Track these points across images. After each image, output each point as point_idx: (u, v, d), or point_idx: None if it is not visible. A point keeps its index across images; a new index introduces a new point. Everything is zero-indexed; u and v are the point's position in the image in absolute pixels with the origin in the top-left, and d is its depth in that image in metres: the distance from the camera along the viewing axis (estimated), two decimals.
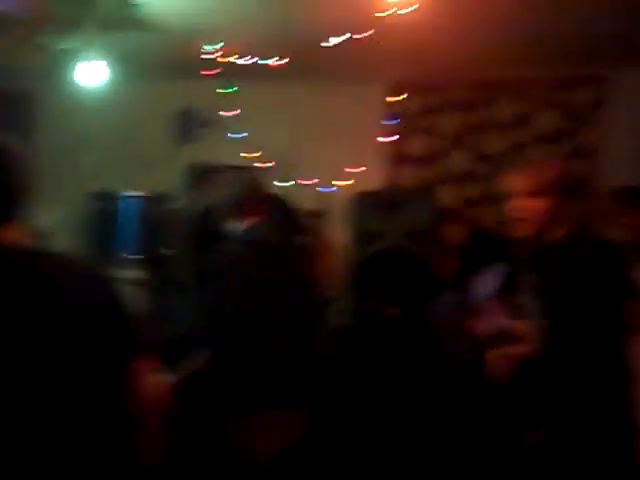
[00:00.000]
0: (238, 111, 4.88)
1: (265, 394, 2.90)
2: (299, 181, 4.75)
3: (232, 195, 3.10)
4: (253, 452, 2.93)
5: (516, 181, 2.57)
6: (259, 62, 4.07)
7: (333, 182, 4.72)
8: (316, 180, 4.76)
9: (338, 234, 4.37)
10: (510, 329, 3.27)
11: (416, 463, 3.53)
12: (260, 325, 2.80)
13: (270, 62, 4.10)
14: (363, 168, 4.76)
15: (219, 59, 3.98)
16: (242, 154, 4.74)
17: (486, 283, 3.43)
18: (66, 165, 4.74)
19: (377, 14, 3.26)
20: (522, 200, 2.52)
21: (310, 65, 4.32)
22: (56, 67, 4.08)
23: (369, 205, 4.43)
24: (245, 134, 4.84)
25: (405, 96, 4.92)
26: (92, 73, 3.97)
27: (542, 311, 2.51)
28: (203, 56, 3.96)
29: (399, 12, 3.25)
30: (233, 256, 2.92)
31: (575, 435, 2.43)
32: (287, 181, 4.71)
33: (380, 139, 4.90)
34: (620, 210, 3.63)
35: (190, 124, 5.10)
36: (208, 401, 3.04)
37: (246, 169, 4.64)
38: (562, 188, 2.55)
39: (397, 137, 4.96)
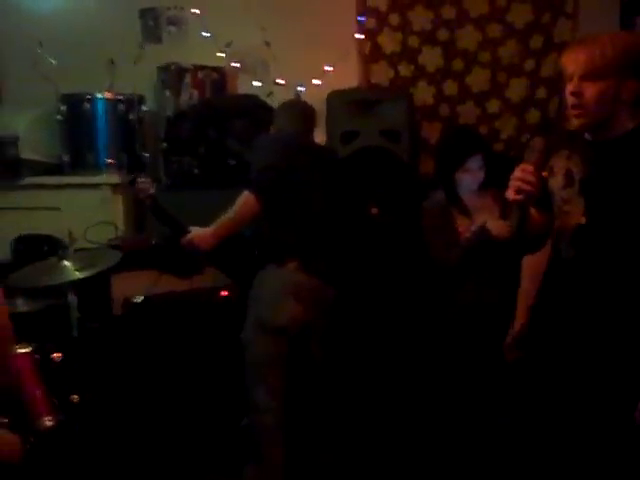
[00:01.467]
0: (206, 9, 4.76)
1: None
2: (277, 81, 4.67)
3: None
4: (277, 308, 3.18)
5: (568, 60, 2.24)
6: None
7: (307, 81, 4.64)
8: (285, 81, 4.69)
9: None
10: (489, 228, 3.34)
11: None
12: None
13: None
14: (332, 68, 4.70)
15: None
16: (218, 54, 4.62)
17: (467, 179, 3.46)
18: (30, 67, 4.59)
19: None
20: (575, 83, 2.21)
21: None
22: None
23: (344, 104, 4.38)
24: (212, 34, 4.72)
25: None
26: None
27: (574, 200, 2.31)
28: None
29: None
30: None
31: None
32: (263, 81, 4.66)
33: (353, 36, 4.81)
34: None
35: (157, 22, 4.93)
36: None
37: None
38: (627, 68, 2.19)
39: (369, 35, 4.88)
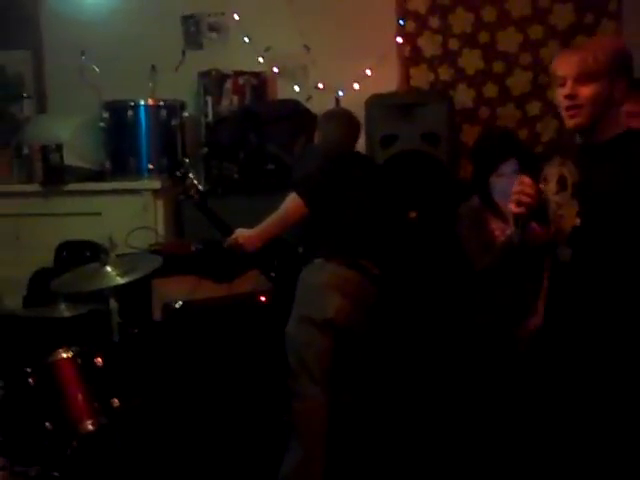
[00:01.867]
0: (246, 15, 4.79)
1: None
2: (316, 85, 4.69)
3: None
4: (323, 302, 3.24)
5: (561, 64, 2.36)
6: None
7: (347, 85, 4.64)
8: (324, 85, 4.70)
9: None
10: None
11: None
12: None
13: None
14: (371, 71, 4.69)
15: None
16: (258, 60, 4.66)
17: (501, 183, 3.43)
18: (74, 76, 4.67)
19: None
20: (570, 86, 2.30)
21: None
22: None
23: (383, 108, 4.37)
24: (252, 39, 4.76)
25: None
26: None
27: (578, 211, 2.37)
28: None
29: None
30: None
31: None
32: (302, 86, 4.67)
33: (393, 39, 4.80)
34: None
35: (198, 29, 4.98)
36: None
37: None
38: (617, 70, 2.29)
39: (409, 38, 4.86)
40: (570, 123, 2.34)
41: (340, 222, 3.39)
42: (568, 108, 2.31)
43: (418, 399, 3.68)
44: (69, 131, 4.60)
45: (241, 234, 3.39)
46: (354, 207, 3.42)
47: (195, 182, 3.55)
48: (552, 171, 2.45)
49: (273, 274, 3.54)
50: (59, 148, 4.40)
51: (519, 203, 2.36)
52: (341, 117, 3.78)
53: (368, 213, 3.46)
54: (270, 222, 3.36)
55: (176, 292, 3.55)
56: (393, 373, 3.69)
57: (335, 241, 3.37)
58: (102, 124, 4.49)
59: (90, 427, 2.82)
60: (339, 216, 3.39)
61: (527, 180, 2.37)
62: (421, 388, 3.70)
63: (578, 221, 2.36)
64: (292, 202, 3.31)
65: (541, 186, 2.42)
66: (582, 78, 2.28)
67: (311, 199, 3.30)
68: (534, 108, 4.72)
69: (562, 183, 2.41)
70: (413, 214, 4.09)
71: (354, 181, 3.47)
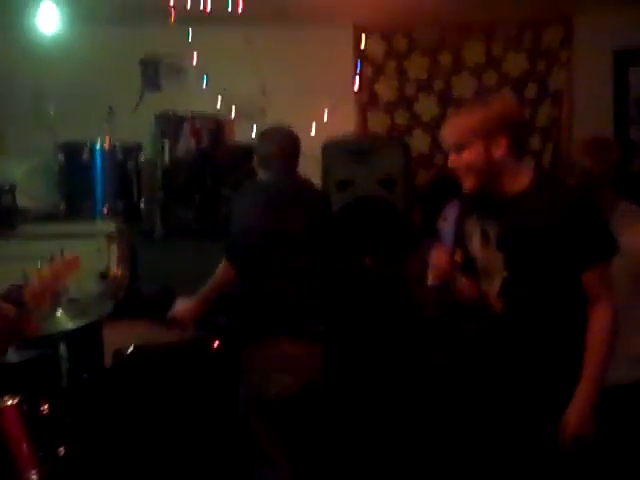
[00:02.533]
0: (204, 58, 4.80)
1: (280, 320, 3.13)
2: None
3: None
4: (269, 385, 3.01)
5: (442, 136, 2.54)
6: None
7: (304, 129, 4.66)
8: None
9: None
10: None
11: None
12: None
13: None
14: (328, 115, 4.73)
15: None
16: (217, 102, 4.67)
17: (447, 228, 3.45)
18: (29, 116, 4.64)
19: None
20: (452, 155, 2.44)
21: (276, 9, 4.26)
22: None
23: (340, 153, 4.40)
24: (210, 82, 4.76)
25: (371, 40, 4.88)
26: (45, 18, 3.96)
27: (503, 263, 2.45)
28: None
29: None
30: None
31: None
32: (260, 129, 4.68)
33: (350, 84, 4.85)
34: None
35: (157, 71, 4.99)
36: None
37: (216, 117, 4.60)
38: (489, 132, 2.37)
39: (366, 83, 4.92)
40: (464, 189, 2.46)
41: (273, 287, 3.20)
42: (458, 175, 2.45)
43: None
44: (23, 172, 4.55)
45: (180, 307, 3.34)
46: (292, 266, 3.22)
47: None
48: (473, 228, 2.53)
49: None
50: (12, 189, 4.35)
51: (436, 277, 2.51)
52: (275, 135, 3.46)
53: (308, 269, 3.27)
54: (206, 287, 3.34)
55: (127, 337, 3.50)
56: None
57: (270, 310, 3.19)
58: (57, 166, 4.45)
59: (34, 477, 2.75)
60: (272, 281, 3.22)
61: (441, 255, 2.51)
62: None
63: (505, 273, 2.44)
64: (222, 266, 3.31)
65: (457, 257, 2.53)
66: (455, 148, 2.42)
67: (237, 264, 3.25)
68: None
69: (485, 237, 2.48)
70: (369, 260, 4.11)
71: (290, 232, 3.24)
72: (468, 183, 2.43)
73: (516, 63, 4.81)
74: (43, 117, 4.59)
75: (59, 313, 3.29)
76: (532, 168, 2.49)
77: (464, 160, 2.40)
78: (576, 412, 2.36)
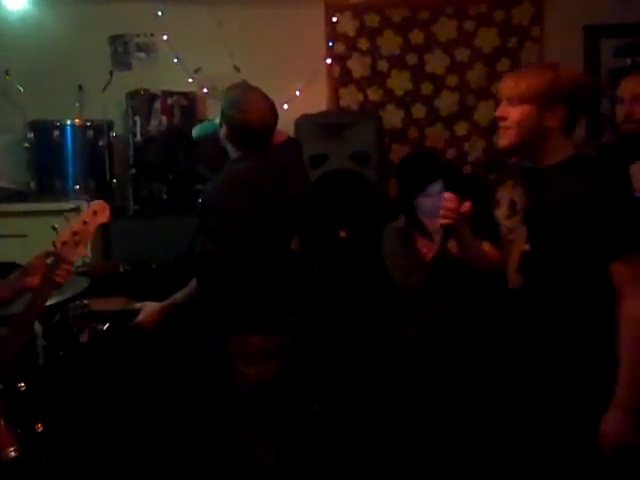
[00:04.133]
0: (175, 36, 4.77)
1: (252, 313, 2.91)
2: None
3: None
4: (240, 378, 2.93)
5: (500, 85, 2.41)
6: None
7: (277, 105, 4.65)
8: None
9: None
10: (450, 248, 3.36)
11: None
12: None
13: None
14: (301, 92, 4.73)
15: None
16: (188, 80, 4.63)
17: (428, 204, 3.47)
18: None
19: None
20: (503, 106, 2.36)
21: None
22: None
23: (313, 128, 4.39)
24: (182, 60, 4.74)
25: (343, 17, 4.87)
26: None
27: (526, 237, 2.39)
28: None
29: None
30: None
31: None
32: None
33: (323, 61, 4.84)
34: None
35: (126, 49, 4.94)
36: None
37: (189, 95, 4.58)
38: (550, 98, 2.29)
39: (338, 59, 4.91)
40: (499, 143, 2.40)
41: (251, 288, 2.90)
42: (500, 128, 2.38)
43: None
44: None
45: (145, 312, 3.10)
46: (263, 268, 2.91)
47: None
48: (504, 194, 2.48)
49: None
50: None
51: (445, 216, 2.42)
52: (257, 104, 2.93)
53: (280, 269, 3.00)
54: (175, 296, 3.09)
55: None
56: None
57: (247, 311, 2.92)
58: (26, 144, 4.40)
59: (12, 454, 2.73)
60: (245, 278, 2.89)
61: (449, 196, 2.42)
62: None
63: (527, 247, 2.38)
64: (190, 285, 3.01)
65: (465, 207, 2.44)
66: (513, 100, 2.32)
67: (203, 285, 2.95)
68: (461, 128, 4.82)
69: (513, 207, 2.44)
70: (343, 233, 4.12)
71: (265, 237, 2.89)
72: (506, 140, 2.36)
73: (488, 39, 4.82)
74: (12, 95, 4.54)
75: None
76: (573, 146, 2.40)
77: (514, 115, 2.32)
78: (612, 423, 2.23)
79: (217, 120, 3.03)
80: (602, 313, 2.30)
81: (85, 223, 2.59)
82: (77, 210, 4.21)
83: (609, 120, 4.03)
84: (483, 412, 2.92)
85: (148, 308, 3.11)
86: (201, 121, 3.75)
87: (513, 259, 2.42)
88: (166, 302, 3.09)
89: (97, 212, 2.64)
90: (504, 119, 2.34)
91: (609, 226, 2.26)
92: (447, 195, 2.44)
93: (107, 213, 2.63)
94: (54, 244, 2.51)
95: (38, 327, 3.29)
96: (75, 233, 2.56)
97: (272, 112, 2.98)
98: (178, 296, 3.08)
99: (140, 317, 3.10)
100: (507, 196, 2.46)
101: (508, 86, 2.35)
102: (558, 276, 2.34)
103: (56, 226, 2.59)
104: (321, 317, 3.74)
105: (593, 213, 2.25)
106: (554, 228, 2.32)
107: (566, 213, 2.30)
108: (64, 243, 2.53)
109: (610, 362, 2.25)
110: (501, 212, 2.47)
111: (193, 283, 3.00)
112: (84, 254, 2.60)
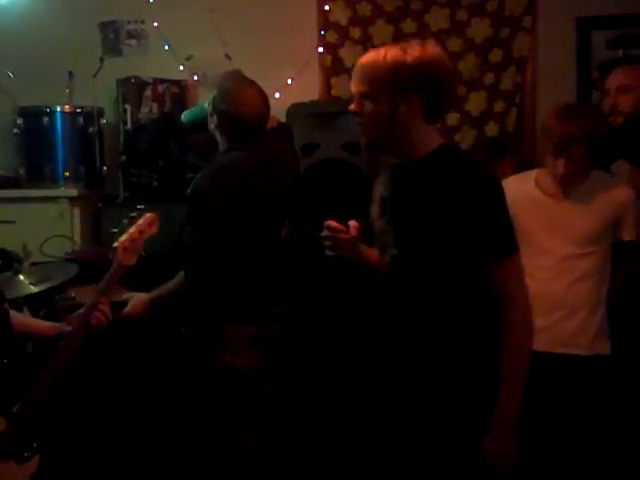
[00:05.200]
0: (167, 23, 4.75)
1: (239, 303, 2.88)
2: None
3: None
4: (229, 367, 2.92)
5: (352, 80, 2.19)
6: None
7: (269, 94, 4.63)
8: None
9: None
10: None
11: None
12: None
13: None
14: (293, 81, 4.72)
15: None
16: (180, 67, 4.61)
17: None
18: None
19: None
20: (356, 101, 2.15)
21: None
22: None
23: (304, 117, 4.37)
24: (173, 47, 4.72)
25: (335, 6, 4.85)
26: None
27: (389, 231, 2.17)
28: None
29: None
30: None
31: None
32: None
33: (315, 49, 4.82)
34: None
35: (117, 36, 4.92)
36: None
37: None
38: (400, 87, 2.06)
39: (330, 48, 4.89)
40: (361, 142, 2.22)
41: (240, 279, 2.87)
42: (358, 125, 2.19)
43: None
44: None
45: (132, 304, 3.04)
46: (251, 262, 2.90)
47: None
48: (377, 190, 2.30)
49: None
50: None
51: (332, 248, 2.29)
52: (248, 92, 2.98)
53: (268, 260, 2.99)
54: (162, 287, 3.05)
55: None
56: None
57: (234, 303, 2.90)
58: (16, 130, 4.37)
59: None
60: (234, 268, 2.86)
61: (332, 225, 2.30)
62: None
63: (395, 251, 2.16)
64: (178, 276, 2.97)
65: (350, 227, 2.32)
66: (364, 95, 2.12)
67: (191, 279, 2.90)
68: (452, 119, 4.80)
69: (383, 206, 2.24)
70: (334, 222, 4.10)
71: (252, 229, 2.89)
72: (365, 138, 2.16)
73: (480, 29, 4.81)
74: (2, 81, 4.52)
75: (22, 277, 3.27)
76: (440, 138, 2.16)
77: (366, 112, 2.11)
78: (495, 445, 2.08)
79: (206, 104, 3.02)
80: (471, 322, 2.11)
81: (141, 233, 2.59)
82: (65, 198, 4.22)
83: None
84: None
85: (136, 299, 3.07)
86: None
87: (386, 264, 2.21)
88: (154, 293, 3.06)
89: (151, 224, 2.64)
90: (358, 115, 2.16)
91: (473, 229, 2.03)
92: (329, 224, 2.29)
93: (157, 225, 2.64)
94: (115, 248, 2.53)
95: (26, 313, 3.28)
96: (133, 241, 2.56)
97: (265, 108, 3.00)
98: (166, 287, 3.04)
99: (128, 308, 3.05)
100: (379, 192, 2.28)
101: (354, 81, 2.16)
102: (424, 286, 2.11)
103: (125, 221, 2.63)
104: (312, 306, 3.72)
105: (460, 212, 2.02)
106: (415, 229, 2.09)
107: (426, 212, 2.07)
108: (125, 249, 2.53)
109: (479, 375, 2.11)
110: (375, 211, 2.28)
111: (182, 274, 2.96)
112: (133, 263, 2.57)
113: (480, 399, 2.09)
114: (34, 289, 3.22)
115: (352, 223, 2.28)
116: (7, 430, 2.39)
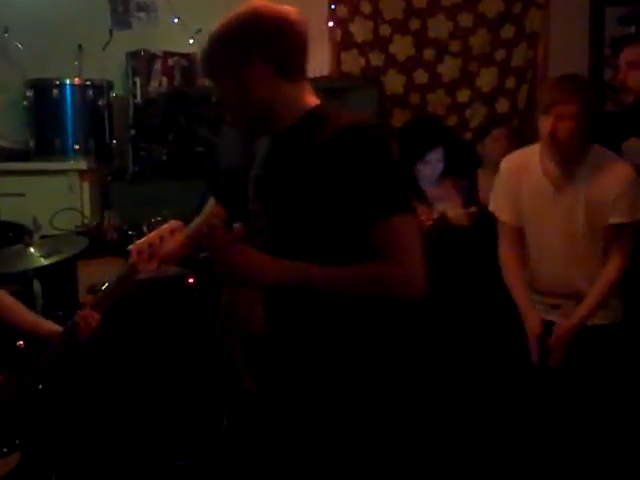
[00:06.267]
0: None
1: None
2: None
3: None
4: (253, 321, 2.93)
5: None
6: None
7: None
8: None
9: None
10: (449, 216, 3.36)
11: None
12: None
13: None
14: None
15: None
16: (190, 41, 4.58)
17: (427, 171, 3.47)
18: None
19: None
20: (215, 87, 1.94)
21: None
22: None
23: (316, 92, 4.35)
24: (182, 20, 4.69)
25: None
26: None
27: (262, 213, 1.93)
28: None
29: None
30: None
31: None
32: None
33: (324, 24, 4.79)
34: None
35: (126, 8, 4.89)
36: None
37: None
38: (240, 57, 1.81)
39: (341, 23, 4.86)
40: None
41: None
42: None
43: None
44: None
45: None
46: None
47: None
48: (254, 169, 2.05)
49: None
50: None
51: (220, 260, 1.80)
52: None
53: None
54: (194, 225, 3.11)
55: (102, 274, 3.48)
56: None
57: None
58: (26, 103, 4.37)
59: None
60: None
61: (217, 235, 1.82)
62: None
63: (269, 236, 1.91)
64: (210, 204, 3.10)
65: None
66: (213, 82, 1.91)
67: (222, 199, 3.06)
68: (463, 95, 4.78)
69: (256, 187, 2.02)
70: None
71: None
72: (229, 118, 1.96)
73: (492, 4, 4.76)
74: (11, 53, 4.50)
75: (33, 250, 3.28)
76: (315, 99, 1.94)
77: (217, 92, 1.91)
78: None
79: None
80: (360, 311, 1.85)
81: (162, 239, 2.54)
82: (75, 171, 4.22)
83: (612, 89, 4.03)
84: None
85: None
86: None
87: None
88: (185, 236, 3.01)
89: (174, 231, 2.59)
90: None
91: (356, 187, 1.74)
92: (211, 234, 1.84)
93: (182, 234, 2.56)
94: (129, 250, 2.43)
95: (37, 286, 3.31)
96: (151, 245, 2.52)
97: None
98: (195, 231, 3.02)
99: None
100: (254, 172, 2.03)
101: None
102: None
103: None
104: None
105: (329, 176, 1.75)
106: (290, 207, 1.85)
107: (300, 185, 1.82)
108: (140, 252, 2.48)
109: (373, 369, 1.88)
110: (249, 192, 2.03)
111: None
112: (154, 270, 2.52)
113: (374, 388, 1.88)
114: (45, 262, 3.22)
115: (235, 229, 1.82)
116: None
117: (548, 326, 2.91)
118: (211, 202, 2.89)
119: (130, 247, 2.35)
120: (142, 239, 2.40)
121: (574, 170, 2.84)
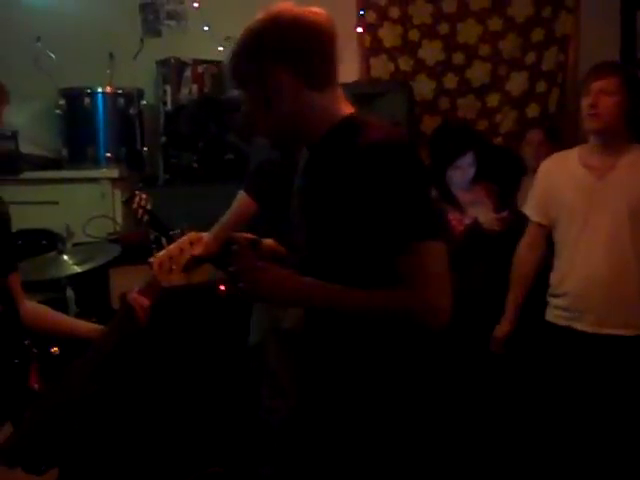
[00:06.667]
0: (206, 3, 4.75)
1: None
2: None
3: None
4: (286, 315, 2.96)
5: None
6: None
7: None
8: None
9: None
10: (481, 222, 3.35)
11: None
12: None
13: None
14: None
15: None
16: (219, 48, 4.61)
17: (458, 176, 3.46)
18: (30, 62, 4.58)
19: None
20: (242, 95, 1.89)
21: None
22: None
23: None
24: (212, 28, 4.71)
25: None
26: None
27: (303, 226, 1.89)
28: None
29: None
30: None
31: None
32: None
33: (353, 30, 4.80)
34: None
35: (156, 16, 4.93)
36: None
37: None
38: (262, 64, 1.78)
39: (369, 28, 4.86)
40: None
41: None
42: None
43: None
44: (24, 118, 4.52)
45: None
46: None
47: (143, 203, 3.32)
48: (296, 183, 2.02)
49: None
50: (14, 135, 4.32)
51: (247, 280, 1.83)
52: None
53: None
54: (223, 222, 3.11)
55: (135, 281, 3.50)
56: None
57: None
58: (58, 111, 4.42)
59: None
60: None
61: (245, 258, 1.85)
62: None
63: (305, 252, 1.91)
64: (239, 199, 3.08)
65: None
66: (241, 91, 1.87)
67: (258, 194, 3.05)
68: (493, 99, 4.76)
69: (298, 200, 2.00)
70: None
71: None
72: (261, 130, 1.90)
73: (521, 8, 4.73)
74: (43, 62, 4.55)
75: (66, 257, 3.32)
76: (348, 108, 1.89)
77: (247, 107, 1.85)
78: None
79: None
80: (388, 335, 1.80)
81: (182, 251, 2.53)
82: (107, 179, 4.26)
83: None
84: None
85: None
86: None
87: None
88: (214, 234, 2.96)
89: (193, 243, 2.58)
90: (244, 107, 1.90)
91: (376, 212, 1.69)
92: (239, 251, 1.88)
93: (202, 245, 2.54)
94: (150, 263, 2.35)
95: (70, 293, 3.34)
96: (171, 258, 2.51)
97: None
98: (224, 228, 3.03)
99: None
100: (296, 185, 2.00)
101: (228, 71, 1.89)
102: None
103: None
104: None
105: (359, 191, 1.69)
106: (325, 223, 1.80)
107: (323, 199, 1.78)
108: (160, 264, 2.47)
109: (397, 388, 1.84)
110: (292, 206, 2.00)
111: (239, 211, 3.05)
112: (175, 282, 2.51)
113: (398, 403, 1.84)
114: (78, 269, 3.27)
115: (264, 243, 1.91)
116: (14, 436, 2.21)
117: (568, 334, 2.87)
118: (240, 197, 2.93)
119: (150, 259, 2.29)
120: (162, 251, 2.35)
121: (615, 161, 2.82)
